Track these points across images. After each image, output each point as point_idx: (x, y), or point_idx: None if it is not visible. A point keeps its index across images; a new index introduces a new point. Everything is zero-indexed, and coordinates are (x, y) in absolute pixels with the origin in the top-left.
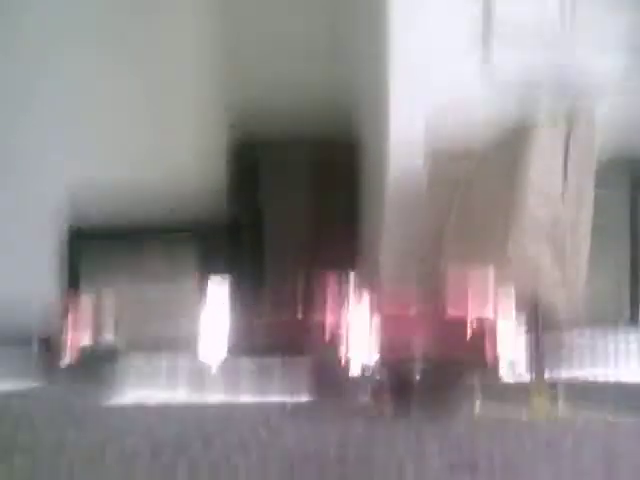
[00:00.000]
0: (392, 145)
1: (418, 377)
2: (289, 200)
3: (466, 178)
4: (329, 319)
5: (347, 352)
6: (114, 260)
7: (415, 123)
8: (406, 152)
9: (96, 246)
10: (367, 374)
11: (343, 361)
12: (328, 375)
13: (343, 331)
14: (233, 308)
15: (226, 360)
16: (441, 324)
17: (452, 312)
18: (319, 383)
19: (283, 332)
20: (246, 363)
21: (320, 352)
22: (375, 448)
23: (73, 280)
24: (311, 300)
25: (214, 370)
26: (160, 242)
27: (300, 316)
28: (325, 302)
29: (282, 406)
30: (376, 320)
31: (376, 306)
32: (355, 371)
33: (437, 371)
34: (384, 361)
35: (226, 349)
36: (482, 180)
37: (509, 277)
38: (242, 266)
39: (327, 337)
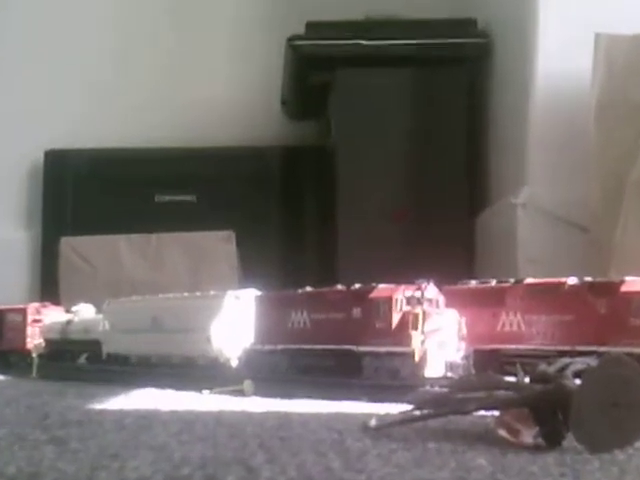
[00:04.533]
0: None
1: (575, 382)
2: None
3: None
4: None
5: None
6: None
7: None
8: (557, 83)
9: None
10: (488, 379)
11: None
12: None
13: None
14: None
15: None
16: (613, 303)
17: (629, 289)
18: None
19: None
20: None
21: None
22: None
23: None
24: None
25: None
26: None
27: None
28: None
29: (362, 423)
30: (495, 295)
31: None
32: (466, 371)
33: (606, 371)
34: (516, 356)
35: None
36: None
37: None
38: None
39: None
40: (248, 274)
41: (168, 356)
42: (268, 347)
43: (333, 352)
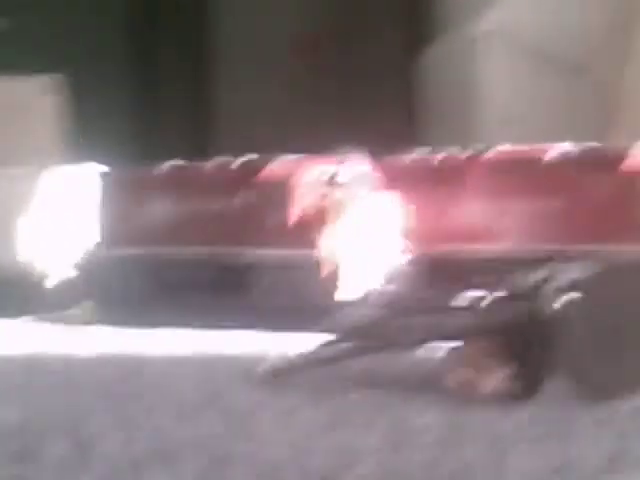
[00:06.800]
0: None
1: (562, 299)
2: None
3: None
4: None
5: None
6: None
7: None
8: None
9: None
10: (439, 296)
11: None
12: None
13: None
14: None
15: None
16: (616, 182)
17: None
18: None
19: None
20: None
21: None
22: (471, 449)
23: None
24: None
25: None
26: None
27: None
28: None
29: (250, 366)
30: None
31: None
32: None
33: (607, 285)
34: (479, 262)
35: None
36: None
37: None
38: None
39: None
40: (84, 141)
41: None
42: (115, 252)
43: (209, 259)
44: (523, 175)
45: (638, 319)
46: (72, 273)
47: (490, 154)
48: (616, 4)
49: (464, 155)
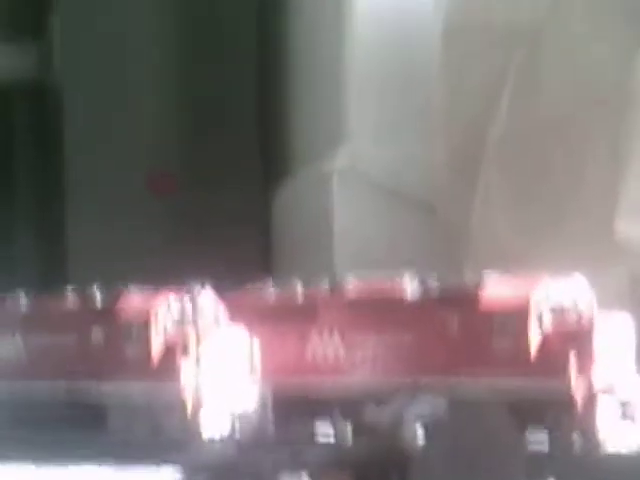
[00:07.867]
0: None
1: (416, 433)
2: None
3: (520, 57)
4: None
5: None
6: None
7: None
8: None
9: None
10: (293, 432)
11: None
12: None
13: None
14: None
15: None
16: (469, 318)
17: (492, 297)
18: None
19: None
20: None
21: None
22: None
23: None
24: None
25: None
26: None
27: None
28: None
29: None
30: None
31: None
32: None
33: (460, 422)
34: (333, 396)
35: None
36: (556, 51)
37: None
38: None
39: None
40: None
41: None
42: None
43: (63, 394)
44: (376, 310)
45: (489, 452)
46: None
47: (343, 288)
48: (460, 143)
49: (318, 289)
